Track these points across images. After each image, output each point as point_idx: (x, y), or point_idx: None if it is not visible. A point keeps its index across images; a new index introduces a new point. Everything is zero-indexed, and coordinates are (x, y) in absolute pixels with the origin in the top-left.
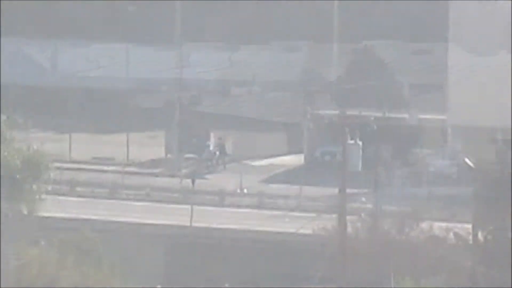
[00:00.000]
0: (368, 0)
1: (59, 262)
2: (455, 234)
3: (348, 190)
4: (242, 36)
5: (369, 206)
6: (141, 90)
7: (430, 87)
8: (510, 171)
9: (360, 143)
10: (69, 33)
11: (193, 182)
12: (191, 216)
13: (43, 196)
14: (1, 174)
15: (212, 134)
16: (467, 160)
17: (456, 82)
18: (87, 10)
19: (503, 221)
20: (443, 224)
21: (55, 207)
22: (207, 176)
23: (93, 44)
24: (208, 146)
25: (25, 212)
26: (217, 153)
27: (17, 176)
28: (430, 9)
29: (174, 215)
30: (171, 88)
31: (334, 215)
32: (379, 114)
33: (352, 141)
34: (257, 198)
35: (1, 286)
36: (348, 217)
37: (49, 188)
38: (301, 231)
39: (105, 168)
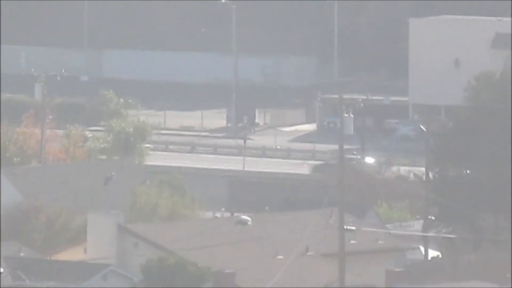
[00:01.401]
0: None
1: (158, 194)
2: (414, 174)
3: (345, 146)
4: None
5: (358, 156)
6: (210, 83)
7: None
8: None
9: (352, 116)
10: (162, 46)
11: (244, 141)
12: (244, 164)
13: (148, 151)
14: (120, 137)
15: (256, 110)
16: (421, 126)
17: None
18: (173, 30)
19: (445, 165)
20: (406, 168)
21: (156, 159)
22: (253, 137)
23: (177, 53)
24: (244, 118)
25: (136, 162)
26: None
27: (131, 139)
28: None
29: (233, 163)
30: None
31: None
32: (364, 97)
33: (347, 115)
34: (286, 152)
35: (121, 212)
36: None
37: (152, 146)
38: (314, 173)
39: (188, 133)
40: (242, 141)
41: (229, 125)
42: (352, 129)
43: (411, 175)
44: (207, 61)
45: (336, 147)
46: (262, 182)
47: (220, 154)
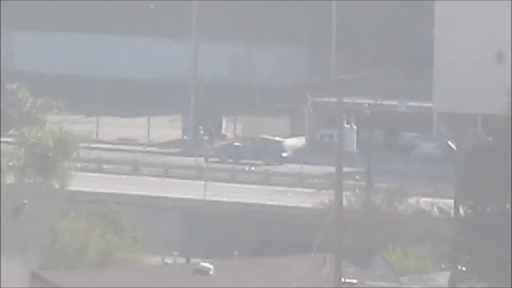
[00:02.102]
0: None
1: (87, 231)
2: (439, 208)
3: (344, 169)
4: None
5: (363, 183)
6: (160, 78)
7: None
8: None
9: (355, 127)
10: (95, 27)
11: (206, 160)
12: (205, 191)
13: (73, 172)
14: (36, 152)
15: (224, 118)
16: (450, 142)
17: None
18: (111, 7)
19: (481, 197)
20: (428, 199)
21: (84, 182)
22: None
23: (115, 37)
24: (200, 129)
25: (57, 186)
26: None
27: (50, 154)
28: None
29: (190, 190)
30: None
31: (332, 191)
32: (372, 101)
33: (348, 125)
34: (263, 176)
35: (35, 255)
36: (344, 193)
37: (79, 165)
38: (302, 205)
39: (129, 147)
40: (203, 159)
41: (185, 137)
42: (355, 145)
43: (435, 209)
44: (156, 49)
45: (332, 169)
46: (230, 216)
47: (173, 177)
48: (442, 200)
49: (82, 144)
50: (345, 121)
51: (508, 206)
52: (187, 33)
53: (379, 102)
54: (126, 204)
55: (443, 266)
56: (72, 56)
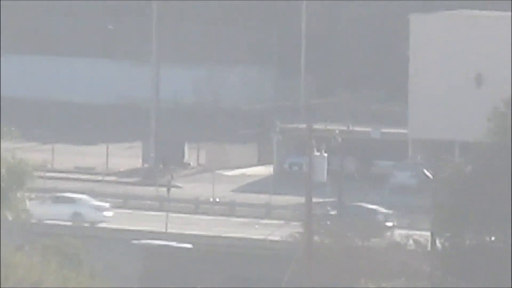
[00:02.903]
0: None
1: (42, 266)
2: (415, 240)
3: (314, 199)
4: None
5: (334, 214)
6: (118, 103)
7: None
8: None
9: (326, 155)
10: (50, 49)
11: (168, 190)
12: (166, 223)
13: (27, 203)
14: None
15: (186, 145)
16: (426, 171)
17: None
18: (67, 28)
19: (460, 229)
20: (403, 231)
21: (39, 214)
22: (181, 185)
23: (73, 58)
24: (151, 158)
25: (10, 218)
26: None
27: (2, 184)
28: None
29: (151, 222)
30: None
31: (301, 223)
32: (344, 128)
33: (318, 153)
34: (229, 207)
35: None
36: (314, 225)
37: (33, 196)
38: (270, 237)
39: (86, 176)
40: (165, 189)
41: (146, 165)
42: (326, 174)
43: (410, 242)
44: (115, 72)
45: (301, 200)
46: (195, 251)
47: (133, 208)
48: (419, 233)
49: (36, 173)
50: (315, 149)
51: (488, 239)
52: (147, 56)
53: (351, 128)
54: (84, 238)
55: None
56: (24, 79)
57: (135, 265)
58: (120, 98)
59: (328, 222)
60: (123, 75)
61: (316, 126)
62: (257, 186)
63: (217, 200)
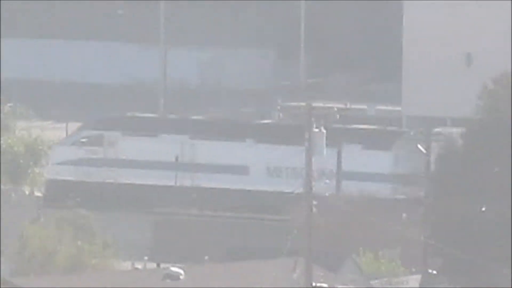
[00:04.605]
0: None
1: (57, 237)
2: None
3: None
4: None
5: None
6: (129, 84)
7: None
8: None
9: (325, 131)
10: (60, 33)
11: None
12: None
13: (44, 178)
14: (6, 159)
15: None
16: (419, 145)
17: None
18: (77, 12)
19: (452, 199)
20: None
21: None
22: None
23: (82, 43)
24: None
25: (27, 192)
26: None
27: (21, 161)
28: None
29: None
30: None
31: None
32: (342, 106)
33: (317, 129)
34: None
35: (5, 261)
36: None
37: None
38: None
39: None
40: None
41: None
42: (325, 149)
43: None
44: (124, 54)
45: (302, 173)
46: (201, 222)
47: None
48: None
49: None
50: (314, 125)
51: (479, 209)
52: (156, 39)
53: (348, 106)
54: (97, 210)
55: (413, 269)
56: (39, 62)
57: (146, 235)
58: (129, 79)
59: (327, 194)
60: (132, 57)
61: (315, 104)
62: None
63: None
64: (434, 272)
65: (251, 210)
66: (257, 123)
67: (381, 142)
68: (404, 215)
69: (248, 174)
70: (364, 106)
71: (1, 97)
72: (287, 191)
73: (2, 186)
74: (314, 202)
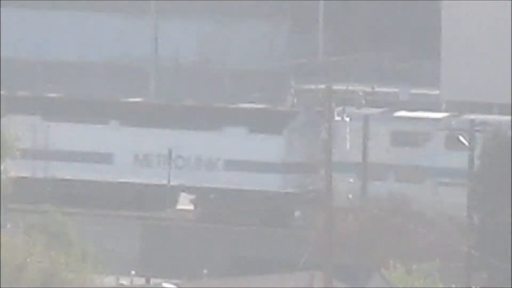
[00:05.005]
0: None
1: (27, 247)
2: (449, 216)
3: (335, 172)
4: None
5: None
6: (111, 63)
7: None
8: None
9: (348, 119)
10: (34, 2)
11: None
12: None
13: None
14: None
15: None
16: (460, 137)
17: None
18: None
19: (501, 204)
20: (437, 206)
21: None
22: None
23: (58, 12)
24: None
25: None
26: None
27: None
28: None
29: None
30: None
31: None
32: (368, 89)
33: (339, 118)
34: None
35: None
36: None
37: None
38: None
39: None
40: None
41: None
42: (348, 140)
43: (445, 218)
44: (109, 27)
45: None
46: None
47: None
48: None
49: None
50: (335, 113)
51: None
52: (146, 8)
53: (375, 89)
54: (73, 215)
55: (454, 286)
56: (7, 36)
57: (133, 244)
58: (114, 56)
59: (350, 196)
60: (118, 30)
61: (336, 87)
62: None
63: None
64: None
65: (114, 205)
66: (124, 101)
67: (270, 124)
68: (297, 213)
69: (112, 163)
70: (395, 89)
71: None
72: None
73: None
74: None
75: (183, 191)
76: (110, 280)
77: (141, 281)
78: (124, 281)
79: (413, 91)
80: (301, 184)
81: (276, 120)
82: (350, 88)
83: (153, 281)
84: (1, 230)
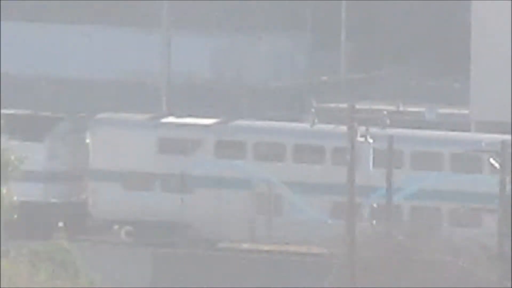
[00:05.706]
0: None
1: (30, 275)
2: (480, 244)
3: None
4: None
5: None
6: (124, 80)
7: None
8: None
9: (372, 141)
10: (39, 15)
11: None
12: None
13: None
14: None
15: None
16: (491, 160)
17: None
18: None
19: None
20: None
21: None
22: None
23: (67, 27)
24: None
25: None
26: None
27: None
28: None
29: None
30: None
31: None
32: (393, 108)
33: (362, 138)
34: None
35: None
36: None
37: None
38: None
39: None
40: None
41: None
42: (371, 162)
43: (475, 245)
44: (120, 42)
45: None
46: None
47: None
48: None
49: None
50: (358, 133)
51: None
52: (156, 22)
53: (401, 108)
54: (80, 242)
55: None
56: (14, 51)
57: (146, 272)
58: (125, 73)
59: (374, 222)
60: (130, 46)
61: (358, 106)
62: None
63: None
64: None
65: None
66: None
67: (32, 131)
68: (61, 224)
69: None
70: (421, 109)
71: None
72: None
73: None
74: None
75: None
76: None
77: None
78: None
79: (441, 110)
80: (60, 194)
81: (38, 126)
82: (374, 107)
83: None
84: (4, 257)
